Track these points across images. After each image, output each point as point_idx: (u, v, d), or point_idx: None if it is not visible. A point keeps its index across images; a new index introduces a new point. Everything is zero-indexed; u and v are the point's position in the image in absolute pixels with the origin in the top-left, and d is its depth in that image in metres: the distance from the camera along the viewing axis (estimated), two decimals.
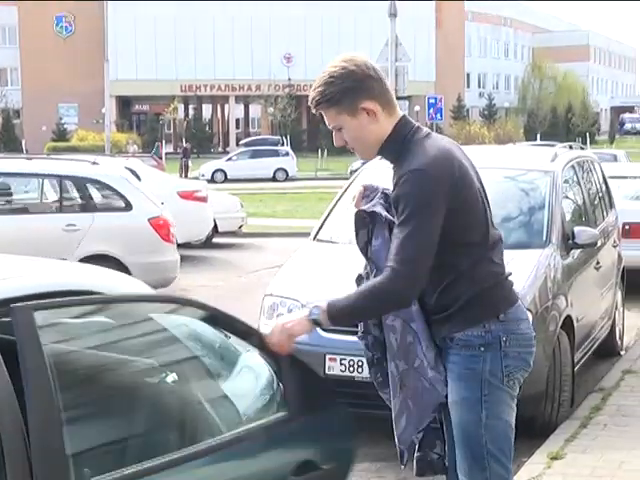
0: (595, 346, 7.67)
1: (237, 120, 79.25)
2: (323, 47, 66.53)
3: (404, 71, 23.31)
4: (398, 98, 24.40)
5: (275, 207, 27.17)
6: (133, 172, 12.99)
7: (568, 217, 7.19)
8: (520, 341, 3.24)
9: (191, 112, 76.13)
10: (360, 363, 5.70)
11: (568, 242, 6.82)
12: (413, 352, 3.23)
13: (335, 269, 6.13)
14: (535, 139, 52.07)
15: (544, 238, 6.67)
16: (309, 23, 70.67)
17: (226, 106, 76.30)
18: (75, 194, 10.83)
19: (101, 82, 46.45)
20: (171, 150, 63.28)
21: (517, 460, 5.65)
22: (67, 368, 2.66)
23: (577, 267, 7.01)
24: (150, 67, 69.25)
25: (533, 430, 6.09)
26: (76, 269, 3.39)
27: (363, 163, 9.27)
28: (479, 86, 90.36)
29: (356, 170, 9.05)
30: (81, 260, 10.23)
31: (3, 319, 2.67)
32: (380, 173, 3.52)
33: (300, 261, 7.01)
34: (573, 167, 7.80)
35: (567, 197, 7.46)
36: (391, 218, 3.23)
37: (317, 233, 7.31)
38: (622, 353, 8.52)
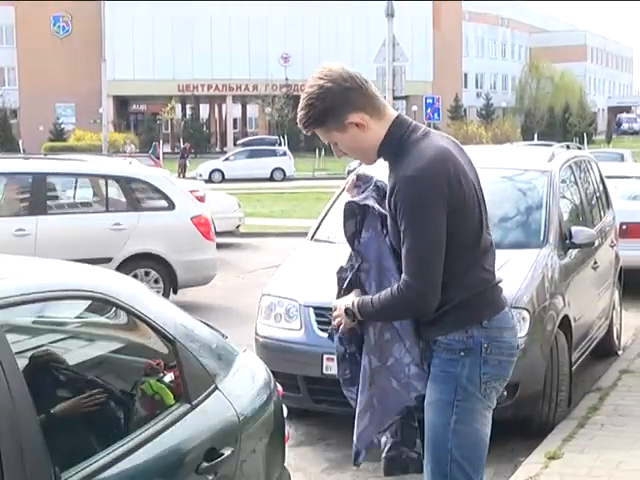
0: (592, 346, 7.67)
1: (234, 120, 79.16)
2: (320, 47, 66.63)
3: (401, 71, 23.34)
4: (395, 98, 24.48)
5: (272, 207, 27.16)
6: None
7: (565, 217, 7.18)
8: (502, 349, 3.21)
9: (188, 112, 76.16)
10: None
11: (565, 242, 6.82)
12: (388, 350, 3.24)
13: (333, 269, 6.11)
14: (532, 139, 52.07)
15: (541, 238, 6.67)
16: (306, 23, 70.62)
17: (223, 106, 76.25)
18: (120, 194, 10.92)
19: (98, 82, 46.35)
20: (168, 150, 63.21)
21: (514, 460, 5.68)
22: None
23: (574, 267, 7.01)
24: (147, 67, 69.18)
25: (530, 430, 6.11)
26: (76, 269, 3.39)
27: (360, 163, 9.26)
28: (476, 86, 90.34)
29: (353, 170, 9.05)
30: (127, 259, 10.44)
31: None
32: (377, 169, 3.52)
33: (297, 261, 7.01)
34: (570, 167, 7.80)
35: (564, 197, 7.46)
36: (384, 211, 3.24)
37: (314, 233, 7.31)
38: (619, 353, 8.52)
